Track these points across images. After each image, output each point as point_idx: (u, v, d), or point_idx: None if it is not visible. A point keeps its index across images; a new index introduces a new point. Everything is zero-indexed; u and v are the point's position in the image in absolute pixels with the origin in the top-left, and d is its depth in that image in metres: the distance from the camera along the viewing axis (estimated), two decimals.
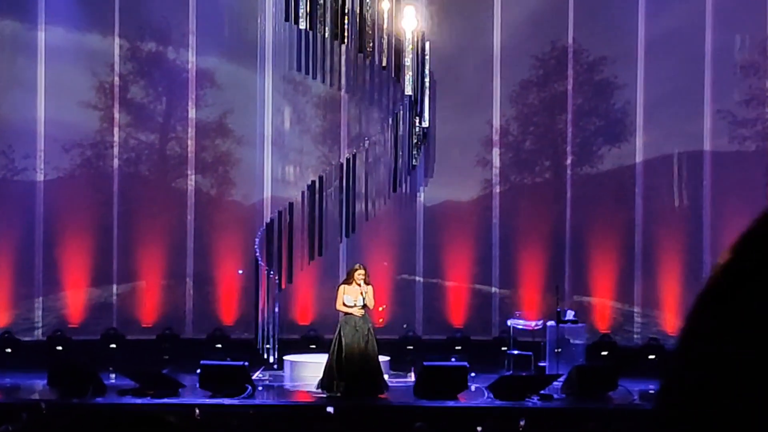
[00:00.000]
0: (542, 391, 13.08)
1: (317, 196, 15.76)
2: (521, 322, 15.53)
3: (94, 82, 17.09)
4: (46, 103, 16.87)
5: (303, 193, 15.87)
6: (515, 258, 16.97)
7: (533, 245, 16.85)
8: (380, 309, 15.56)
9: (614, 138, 17.30)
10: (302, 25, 15.46)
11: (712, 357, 0.91)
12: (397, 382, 14.20)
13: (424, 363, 13.65)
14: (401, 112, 15.82)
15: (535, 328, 15.33)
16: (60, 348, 15.99)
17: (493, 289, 17.14)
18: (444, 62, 16.48)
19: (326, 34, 15.50)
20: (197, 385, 13.20)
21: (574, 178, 17.25)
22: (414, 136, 15.82)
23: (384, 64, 15.63)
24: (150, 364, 14.86)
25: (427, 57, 15.78)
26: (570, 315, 15.23)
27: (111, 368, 14.58)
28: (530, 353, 14.95)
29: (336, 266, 16.40)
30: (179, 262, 16.99)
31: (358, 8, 15.33)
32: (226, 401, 12.59)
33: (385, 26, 15.45)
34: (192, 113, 17.21)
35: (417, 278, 17.18)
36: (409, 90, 15.59)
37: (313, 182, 15.89)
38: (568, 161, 17.31)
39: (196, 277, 17.12)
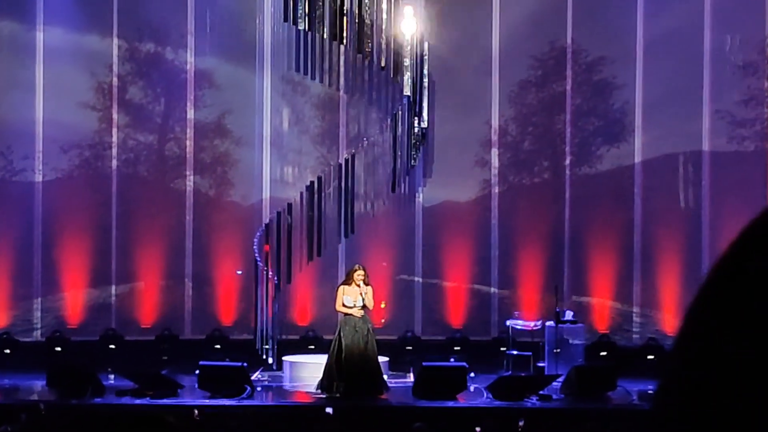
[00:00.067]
0: (541, 392, 13.07)
1: (316, 196, 15.75)
2: (520, 322, 15.53)
3: (92, 82, 17.09)
4: (45, 104, 16.86)
5: (302, 193, 15.87)
6: (514, 258, 16.96)
7: (532, 245, 16.84)
8: (381, 306, 15.55)
9: (613, 138, 17.30)
10: (301, 26, 15.44)
11: (710, 356, 0.91)
12: (396, 382, 14.19)
13: (424, 363, 13.64)
14: (400, 112, 15.81)
15: (534, 328, 15.32)
16: (59, 349, 15.98)
17: (492, 290, 17.14)
18: (443, 62, 16.48)
19: (325, 35, 15.49)
20: (196, 386, 13.18)
21: (573, 179, 17.25)
22: (413, 137, 15.81)
23: (383, 64, 15.62)
24: (149, 364, 14.83)
25: (426, 57, 15.77)
26: (569, 315, 15.23)
27: (110, 369, 14.55)
28: (529, 353, 14.93)
29: (335, 267, 16.40)
30: (178, 262, 16.98)
31: (357, 9, 15.32)
32: (225, 402, 12.57)
33: (384, 27, 15.44)
34: (190, 114, 17.20)
35: (416, 279, 17.17)
36: (407, 90, 15.58)
37: (312, 183, 15.88)
38: (567, 161, 17.31)
39: (194, 278, 17.11)
